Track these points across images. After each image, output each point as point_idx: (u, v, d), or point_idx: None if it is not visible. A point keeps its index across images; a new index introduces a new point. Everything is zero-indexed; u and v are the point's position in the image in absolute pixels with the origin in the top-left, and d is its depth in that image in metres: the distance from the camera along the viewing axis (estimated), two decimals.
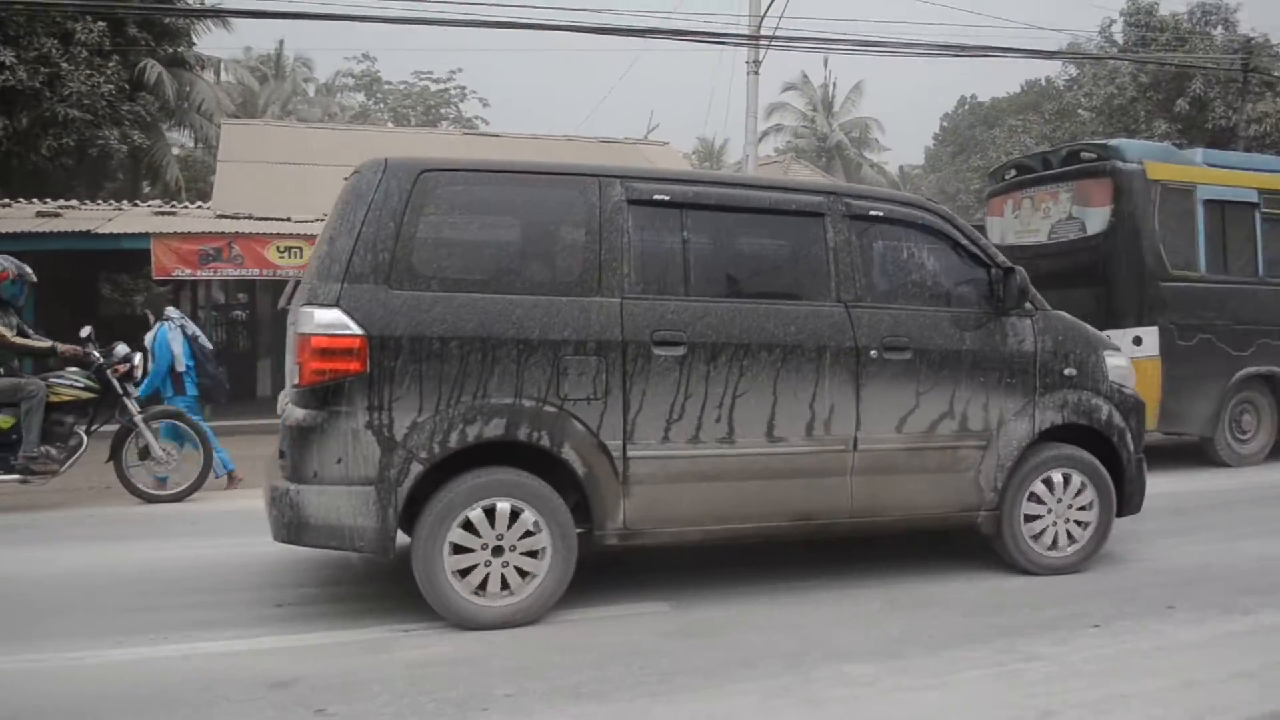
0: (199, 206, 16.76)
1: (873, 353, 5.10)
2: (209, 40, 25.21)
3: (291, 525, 4.38)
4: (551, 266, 4.82)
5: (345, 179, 4.84)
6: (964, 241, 5.52)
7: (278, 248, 13.56)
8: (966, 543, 5.93)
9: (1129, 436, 5.73)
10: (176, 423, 8.53)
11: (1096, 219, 9.41)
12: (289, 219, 14.35)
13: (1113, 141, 10.13)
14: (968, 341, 5.34)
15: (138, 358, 8.45)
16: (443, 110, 39.51)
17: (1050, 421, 5.50)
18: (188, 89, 23.45)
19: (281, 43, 36.80)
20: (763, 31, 16.82)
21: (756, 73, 17.30)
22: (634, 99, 51.40)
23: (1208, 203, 9.54)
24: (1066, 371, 5.55)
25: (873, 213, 5.34)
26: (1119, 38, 27.73)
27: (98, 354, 8.19)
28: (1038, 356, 5.49)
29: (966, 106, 46.75)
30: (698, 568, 5.51)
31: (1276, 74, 25.10)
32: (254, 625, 4.66)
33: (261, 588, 5.32)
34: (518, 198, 4.94)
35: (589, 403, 4.61)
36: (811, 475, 5.04)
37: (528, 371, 4.51)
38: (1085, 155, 9.81)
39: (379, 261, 4.41)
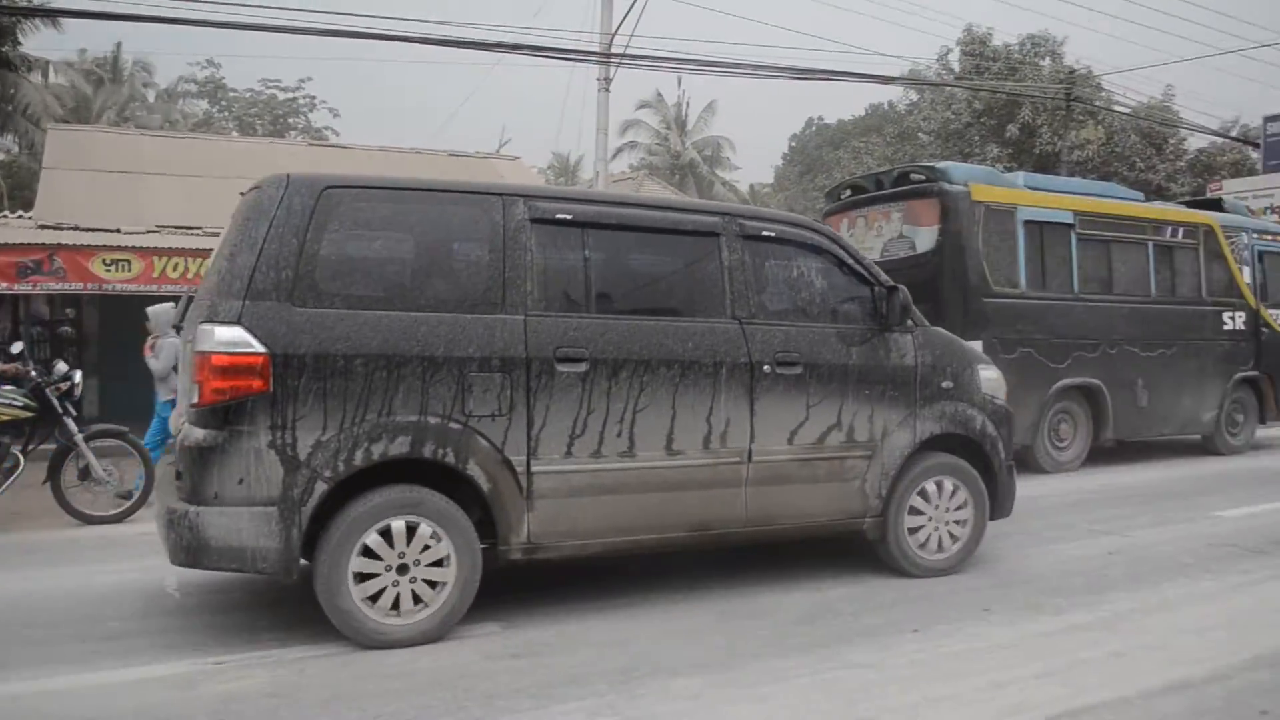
0: (20, 216, 15.83)
1: (766, 368, 5.28)
2: (37, 40, 23.86)
3: (190, 548, 4.27)
4: (456, 284, 4.79)
5: (242, 193, 4.80)
6: (849, 261, 5.77)
7: (104, 260, 12.86)
8: (796, 553, 6.07)
9: (1000, 445, 6.07)
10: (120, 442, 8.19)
11: (925, 238, 9.78)
12: (118, 230, 13.69)
13: (940, 164, 10.53)
14: (854, 356, 5.58)
15: (78, 375, 8.09)
16: (291, 120, 38.48)
17: (930, 431, 5.80)
18: (12, 90, 22.19)
19: (119, 45, 35.20)
20: (614, 49, 16.95)
21: (608, 90, 17.41)
22: (488, 112, 51.18)
23: (1028, 223, 10.02)
24: (944, 384, 5.87)
25: (765, 233, 5.55)
26: (956, 65, 28.96)
27: (35, 372, 7.83)
28: (918, 370, 5.78)
29: (814, 128, 48.14)
30: (530, 587, 5.45)
31: (1098, 104, 26.64)
32: (63, 662, 4.39)
33: (86, 621, 5.02)
34: (421, 215, 4.90)
35: (494, 419, 4.65)
36: (708, 486, 5.19)
37: (433, 389, 4.53)
38: (915, 177, 10.20)
39: (282, 278, 4.35)
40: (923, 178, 10.08)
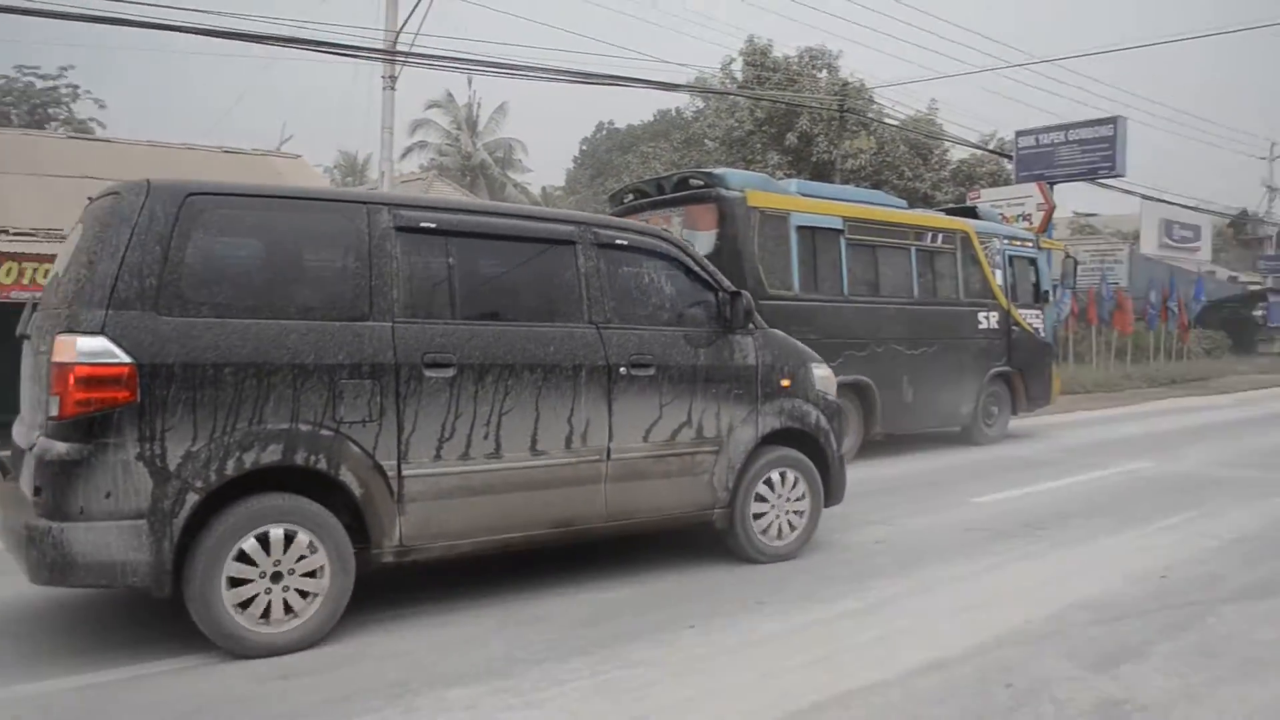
0: None
1: (622, 369, 5.54)
2: None
3: (55, 566, 4.14)
4: (324, 291, 4.80)
5: (92, 199, 4.81)
6: (695, 268, 6.11)
7: None
8: (582, 554, 6.11)
9: (832, 437, 6.58)
10: None
11: (704, 241, 9.98)
12: None
13: (718, 170, 10.79)
14: (702, 357, 5.92)
15: None
16: (51, 110, 35.75)
17: (771, 427, 6.21)
18: None
19: None
20: (399, 47, 16.62)
21: (393, 88, 17.06)
22: (269, 108, 49.10)
23: (800, 228, 10.41)
24: (782, 382, 6.31)
25: (618, 241, 5.82)
26: (739, 75, 29.87)
27: None
28: (759, 370, 6.18)
29: (604, 132, 48.64)
30: None
31: (870, 115, 28.06)
32: None
33: None
34: (287, 223, 4.87)
35: (364, 425, 4.71)
36: (570, 484, 5.40)
37: (304, 396, 4.55)
38: (694, 182, 10.42)
39: (146, 287, 4.29)
40: (701, 183, 10.30)
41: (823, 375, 6.61)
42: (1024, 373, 12.94)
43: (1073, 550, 6.69)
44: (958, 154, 30.57)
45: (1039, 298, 13.41)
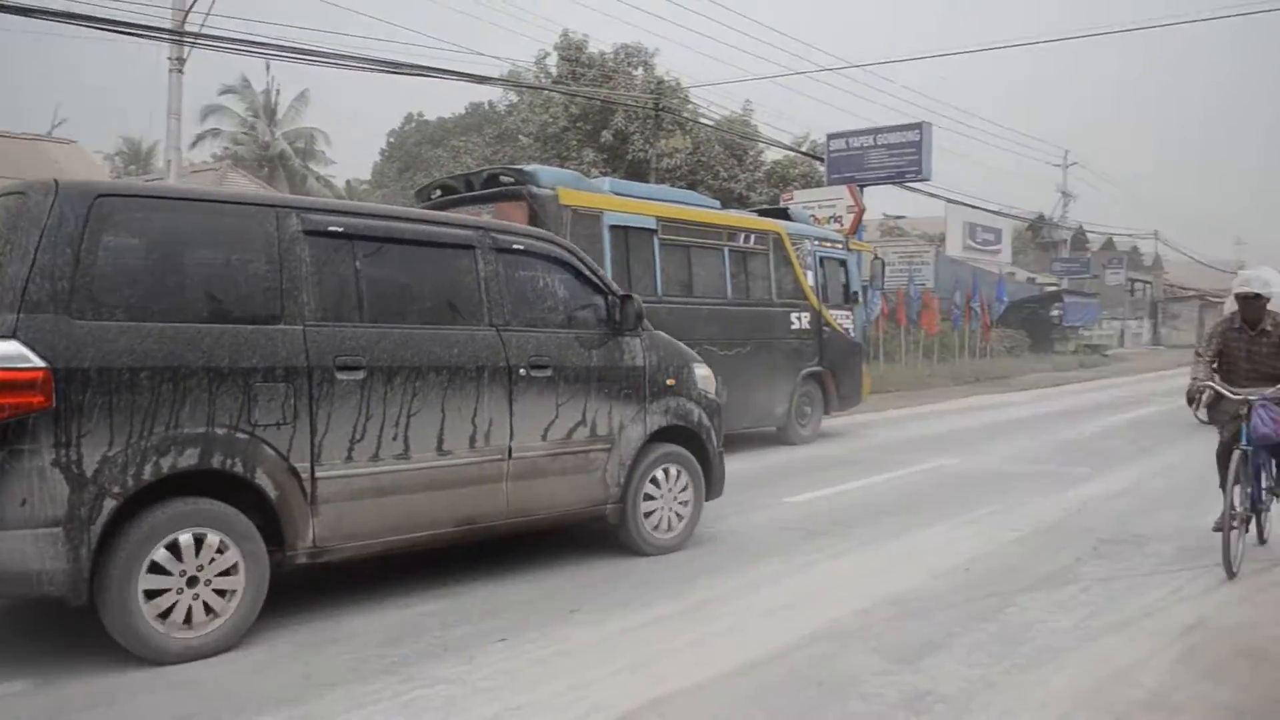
0: None
1: (521, 371, 5.73)
2: None
3: None
4: (236, 295, 4.82)
5: None
6: (587, 272, 6.35)
7: None
8: (385, 569, 5.85)
9: (713, 434, 6.92)
10: None
11: None
12: None
13: (529, 167, 10.57)
14: (594, 359, 6.18)
15: None
16: None
17: (658, 424, 6.53)
18: None
19: None
20: (188, 28, 15.66)
21: (181, 71, 16.08)
22: (43, 88, 45.51)
23: (613, 228, 10.30)
24: (668, 382, 6.62)
25: (515, 246, 6.01)
26: (554, 70, 29.68)
27: None
28: (647, 370, 6.48)
29: (413, 124, 47.65)
30: (70, 633, 4.78)
31: (685, 115, 28.36)
32: None
33: None
34: (198, 225, 4.88)
35: (279, 428, 4.76)
36: (474, 483, 5.56)
37: (219, 399, 4.57)
38: (504, 179, 10.20)
39: (58, 289, 4.22)
40: (512, 180, 10.08)
41: (703, 375, 6.90)
42: (836, 372, 13.19)
43: (883, 547, 6.83)
44: (772, 155, 31.31)
45: (849, 298, 13.75)
